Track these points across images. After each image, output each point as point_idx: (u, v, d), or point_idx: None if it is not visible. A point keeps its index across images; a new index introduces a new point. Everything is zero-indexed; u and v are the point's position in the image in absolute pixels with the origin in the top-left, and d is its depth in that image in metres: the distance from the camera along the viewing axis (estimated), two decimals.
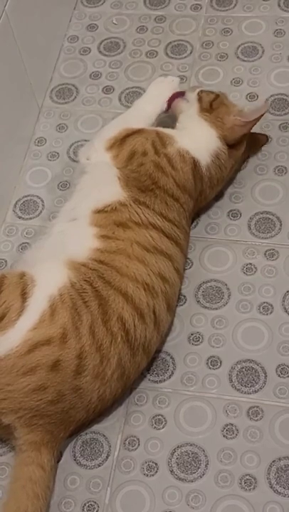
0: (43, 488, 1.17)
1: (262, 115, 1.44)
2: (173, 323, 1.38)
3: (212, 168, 1.43)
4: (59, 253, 1.29)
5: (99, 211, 1.32)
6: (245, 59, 1.71)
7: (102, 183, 1.37)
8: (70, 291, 1.23)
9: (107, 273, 1.26)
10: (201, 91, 1.49)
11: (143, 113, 1.50)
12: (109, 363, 1.21)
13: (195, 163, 1.40)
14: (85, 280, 1.25)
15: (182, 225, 1.38)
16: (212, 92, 1.49)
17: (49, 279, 1.25)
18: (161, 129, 1.45)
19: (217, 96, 1.48)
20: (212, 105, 1.46)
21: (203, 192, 1.44)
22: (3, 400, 1.18)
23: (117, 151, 1.40)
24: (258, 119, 1.44)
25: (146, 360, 1.29)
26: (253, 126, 1.45)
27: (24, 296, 1.22)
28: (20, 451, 1.20)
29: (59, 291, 1.23)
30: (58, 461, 1.25)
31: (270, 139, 1.57)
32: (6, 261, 1.49)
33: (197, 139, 1.43)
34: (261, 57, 1.71)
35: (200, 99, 1.48)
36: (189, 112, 1.47)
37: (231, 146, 1.45)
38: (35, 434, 1.19)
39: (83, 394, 1.20)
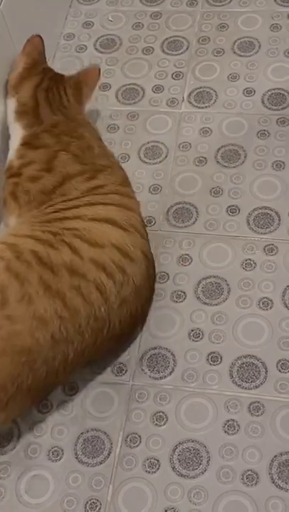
0: None
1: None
2: (171, 317, 1.38)
3: None
4: None
5: None
6: (242, 54, 1.71)
7: None
8: None
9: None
10: None
11: None
12: (30, 283, 1.19)
13: None
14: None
15: None
16: None
17: None
18: None
19: None
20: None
21: None
22: None
23: None
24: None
25: (83, 283, 1.22)
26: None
27: None
28: None
29: None
30: None
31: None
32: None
33: None
34: (258, 52, 1.71)
35: None
36: None
37: None
38: None
39: (17, 321, 1.17)
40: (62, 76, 1.51)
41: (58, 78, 1.50)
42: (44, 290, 1.18)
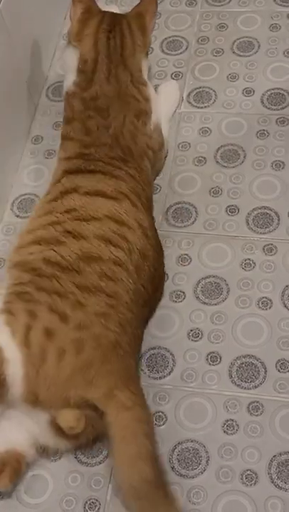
0: (140, 426, 1.15)
1: None
2: (171, 317, 1.38)
3: None
4: None
5: None
6: (241, 54, 1.71)
7: None
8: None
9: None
10: None
11: None
12: (72, 293, 1.22)
13: None
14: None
15: None
16: None
17: None
18: None
19: None
20: None
21: None
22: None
23: None
24: None
25: (103, 266, 1.26)
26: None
27: None
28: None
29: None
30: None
31: None
32: (4, 260, 1.49)
33: None
34: (257, 52, 1.71)
35: None
36: None
37: None
38: (98, 388, 1.17)
39: (89, 325, 1.20)
40: (120, 14, 1.55)
41: (118, 15, 1.54)
42: (84, 293, 1.22)
